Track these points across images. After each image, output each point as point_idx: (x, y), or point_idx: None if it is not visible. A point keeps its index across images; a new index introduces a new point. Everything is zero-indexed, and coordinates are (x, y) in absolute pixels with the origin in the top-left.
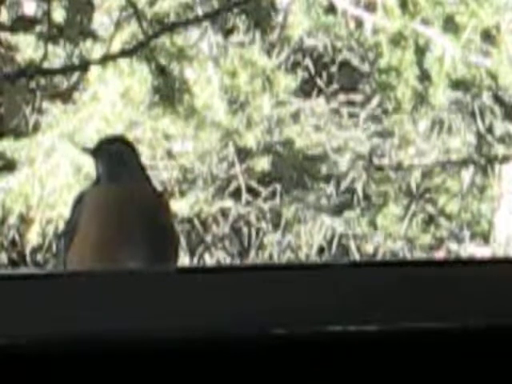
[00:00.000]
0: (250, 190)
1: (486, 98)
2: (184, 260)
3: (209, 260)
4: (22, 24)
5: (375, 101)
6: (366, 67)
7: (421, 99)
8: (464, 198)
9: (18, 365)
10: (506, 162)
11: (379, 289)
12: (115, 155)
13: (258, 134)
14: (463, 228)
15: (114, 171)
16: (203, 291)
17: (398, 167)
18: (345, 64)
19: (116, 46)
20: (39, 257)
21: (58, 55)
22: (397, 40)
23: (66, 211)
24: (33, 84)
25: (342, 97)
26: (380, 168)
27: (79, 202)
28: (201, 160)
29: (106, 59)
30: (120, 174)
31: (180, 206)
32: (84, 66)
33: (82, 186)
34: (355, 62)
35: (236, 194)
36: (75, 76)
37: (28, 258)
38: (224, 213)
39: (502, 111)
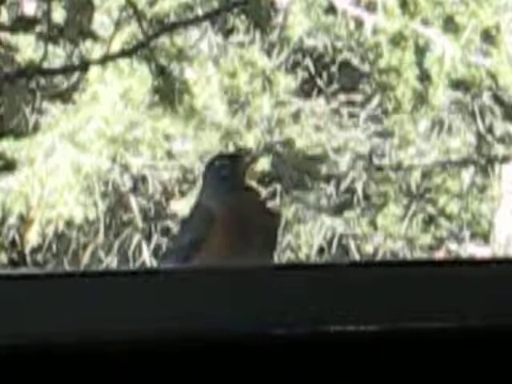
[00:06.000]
0: None
1: (486, 98)
2: None
3: None
4: (22, 24)
5: (375, 101)
6: (366, 67)
7: (421, 99)
8: (464, 198)
9: (19, 365)
10: (506, 161)
11: (379, 289)
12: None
13: (258, 134)
14: (463, 228)
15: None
16: (203, 291)
17: (398, 167)
18: (345, 64)
19: (116, 46)
20: (39, 257)
21: (57, 55)
22: (397, 40)
23: (65, 211)
24: (33, 84)
25: (342, 97)
26: (380, 168)
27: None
28: (201, 160)
29: (105, 59)
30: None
31: (180, 206)
32: (84, 66)
33: (81, 186)
34: (355, 61)
35: None
36: (75, 76)
37: (28, 258)
38: None
39: (501, 111)
